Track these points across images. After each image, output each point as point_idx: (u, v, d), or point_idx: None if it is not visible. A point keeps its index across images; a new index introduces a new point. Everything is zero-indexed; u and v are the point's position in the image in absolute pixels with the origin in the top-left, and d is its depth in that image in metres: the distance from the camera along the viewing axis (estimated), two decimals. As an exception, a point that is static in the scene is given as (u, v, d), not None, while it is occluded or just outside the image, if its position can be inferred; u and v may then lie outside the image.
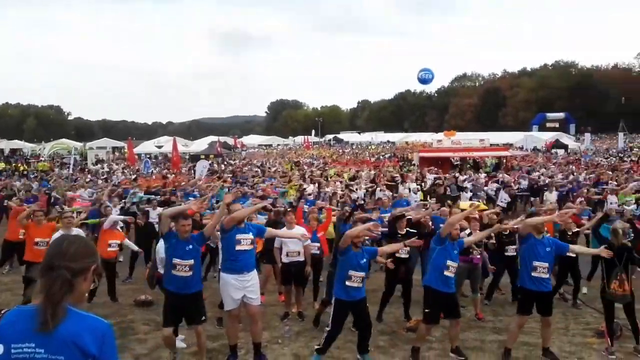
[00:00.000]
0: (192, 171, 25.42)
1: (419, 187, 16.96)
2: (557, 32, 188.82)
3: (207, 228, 6.12)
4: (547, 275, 6.18)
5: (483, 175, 21.47)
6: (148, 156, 42.26)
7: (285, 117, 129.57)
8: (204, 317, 6.04)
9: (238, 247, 6.02)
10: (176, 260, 5.80)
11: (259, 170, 26.10)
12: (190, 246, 5.86)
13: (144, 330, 7.37)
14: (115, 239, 9.05)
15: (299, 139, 79.63)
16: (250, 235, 6.11)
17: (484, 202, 15.35)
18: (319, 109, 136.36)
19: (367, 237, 8.48)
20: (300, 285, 8.06)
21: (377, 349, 6.71)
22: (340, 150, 56.80)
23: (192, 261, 5.83)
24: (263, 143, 77.43)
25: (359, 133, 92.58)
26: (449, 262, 6.22)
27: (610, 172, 20.45)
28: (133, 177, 21.40)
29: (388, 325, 7.68)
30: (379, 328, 7.51)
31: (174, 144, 28.08)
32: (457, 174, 20.39)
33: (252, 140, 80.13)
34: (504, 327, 7.28)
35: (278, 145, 76.25)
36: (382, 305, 7.92)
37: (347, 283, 6.02)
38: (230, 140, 61.30)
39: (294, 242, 7.80)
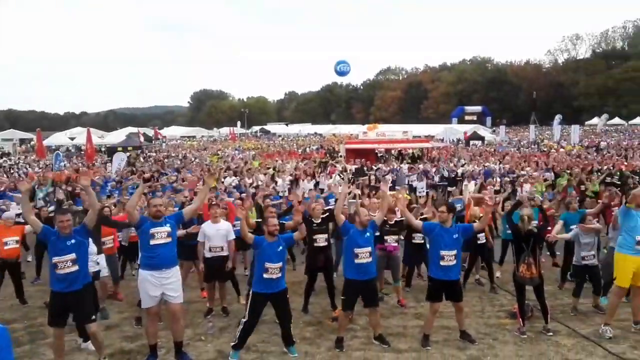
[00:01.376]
0: (109, 164, 24.24)
1: (343, 178, 17.17)
2: (474, 29, 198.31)
3: (87, 219, 5.73)
4: (455, 262, 6.35)
5: (406, 166, 22.07)
6: (60, 149, 39.78)
7: (209, 108, 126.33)
8: (94, 317, 5.78)
9: (153, 242, 5.76)
10: (56, 259, 5.52)
11: (181, 162, 25.34)
12: (73, 240, 5.58)
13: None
14: (11, 235, 8.24)
15: (224, 130, 78.21)
16: (167, 228, 5.85)
17: (407, 191, 15.79)
18: (245, 100, 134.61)
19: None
20: (224, 281, 7.87)
21: (303, 340, 6.69)
22: (268, 142, 56.40)
23: (73, 255, 5.54)
24: (186, 135, 75.24)
25: (287, 125, 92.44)
26: (356, 250, 6.22)
27: (523, 162, 21.68)
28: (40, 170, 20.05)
29: (314, 316, 7.67)
30: (305, 319, 7.52)
31: (88, 135, 26.74)
32: (381, 165, 20.92)
33: (174, 131, 77.73)
34: (426, 313, 7.45)
35: (202, 137, 74.41)
36: (307, 296, 7.91)
37: (265, 276, 5.95)
38: (150, 132, 59.01)
39: (218, 236, 7.68)
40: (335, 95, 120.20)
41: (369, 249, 6.32)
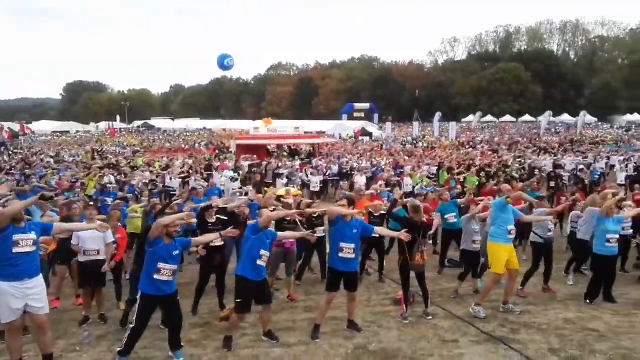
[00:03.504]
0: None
1: (236, 174, 16.94)
2: (362, 29, 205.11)
3: None
4: (354, 255, 6.56)
5: (298, 162, 22.26)
6: None
7: (85, 101, 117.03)
8: None
9: (16, 250, 5.23)
10: None
11: (51, 160, 23.35)
12: None
13: None
14: None
15: (103, 125, 73.65)
16: (32, 235, 5.37)
17: (299, 187, 15.97)
18: (126, 92, 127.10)
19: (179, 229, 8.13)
20: (101, 286, 7.37)
21: (189, 343, 6.46)
22: (152, 138, 53.99)
23: None
24: (58, 130, 69.88)
25: (173, 119, 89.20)
26: (262, 252, 6.20)
27: (407, 157, 22.88)
28: None
29: (201, 317, 7.45)
30: (191, 321, 7.26)
31: (-58, 130, 23.75)
32: (273, 161, 20.94)
33: (44, 126, 72.21)
34: (315, 306, 7.57)
35: (77, 132, 69.31)
36: (197, 297, 7.67)
37: (156, 277, 5.65)
38: (16, 127, 53.75)
39: (93, 239, 7.15)
40: (225, 89, 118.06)
41: (269, 253, 6.40)
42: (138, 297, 5.80)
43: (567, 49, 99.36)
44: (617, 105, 70.96)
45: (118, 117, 79.87)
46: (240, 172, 17.71)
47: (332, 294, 6.60)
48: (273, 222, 6.98)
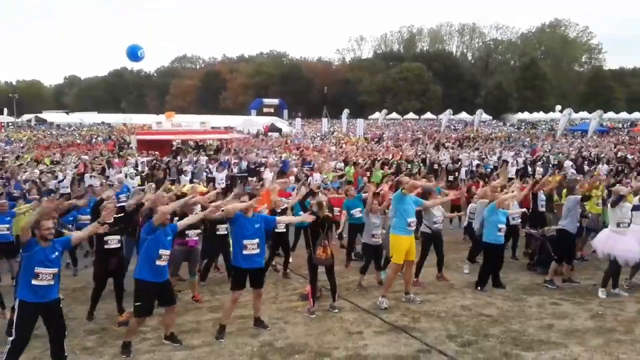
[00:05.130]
0: None
1: (136, 171, 16.19)
2: (271, 24, 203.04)
3: None
4: (258, 251, 6.44)
5: (205, 157, 21.72)
6: None
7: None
8: None
9: None
10: None
11: None
12: None
13: None
14: None
15: (-14, 118, 67.22)
16: None
17: (204, 184, 15.57)
18: (14, 83, 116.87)
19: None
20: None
21: (84, 351, 6.08)
22: (43, 133, 50.10)
23: None
24: None
25: (67, 113, 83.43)
26: (161, 251, 5.90)
27: (317, 153, 23.15)
28: None
29: (97, 322, 7.02)
30: (87, 327, 6.87)
31: None
32: (179, 158, 20.31)
33: None
34: (221, 306, 7.36)
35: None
36: (93, 303, 7.20)
37: (35, 282, 5.18)
38: None
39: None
40: (125, 82, 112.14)
41: (169, 251, 6.08)
42: (16, 305, 5.29)
43: (465, 51, 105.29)
44: (509, 104, 76.54)
45: (5, 110, 73.39)
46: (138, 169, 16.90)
47: (238, 293, 6.45)
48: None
